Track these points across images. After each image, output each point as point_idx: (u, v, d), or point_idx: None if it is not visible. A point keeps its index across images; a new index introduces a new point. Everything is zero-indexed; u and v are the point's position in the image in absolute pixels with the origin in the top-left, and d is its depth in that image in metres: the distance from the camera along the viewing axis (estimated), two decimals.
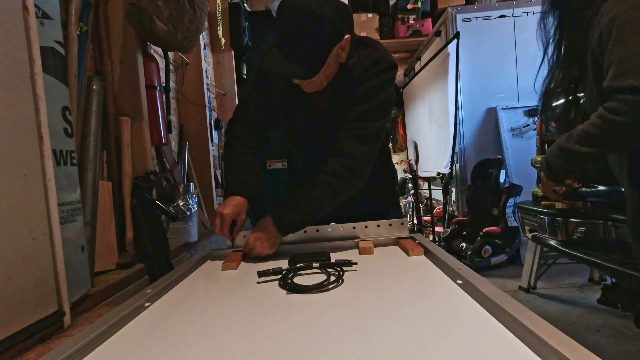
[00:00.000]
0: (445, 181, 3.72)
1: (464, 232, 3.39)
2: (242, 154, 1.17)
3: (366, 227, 1.11)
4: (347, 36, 1.00)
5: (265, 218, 1.04)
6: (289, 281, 0.78)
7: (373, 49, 1.09)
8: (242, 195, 1.11)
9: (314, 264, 0.85)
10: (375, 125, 1.06)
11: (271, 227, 1.02)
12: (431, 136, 4.29)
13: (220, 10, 3.28)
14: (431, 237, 3.88)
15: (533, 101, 3.50)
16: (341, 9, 0.98)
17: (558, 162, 1.06)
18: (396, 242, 1.06)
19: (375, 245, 1.04)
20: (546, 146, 2.27)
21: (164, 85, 2.14)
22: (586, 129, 0.95)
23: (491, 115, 3.63)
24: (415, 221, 4.31)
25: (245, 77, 3.74)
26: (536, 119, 3.06)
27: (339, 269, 0.82)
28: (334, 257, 0.93)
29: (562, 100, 1.20)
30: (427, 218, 4.28)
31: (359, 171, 1.05)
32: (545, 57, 1.15)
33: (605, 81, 0.90)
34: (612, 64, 0.87)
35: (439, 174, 3.77)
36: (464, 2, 4.97)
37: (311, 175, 1.07)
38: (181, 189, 1.94)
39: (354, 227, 1.12)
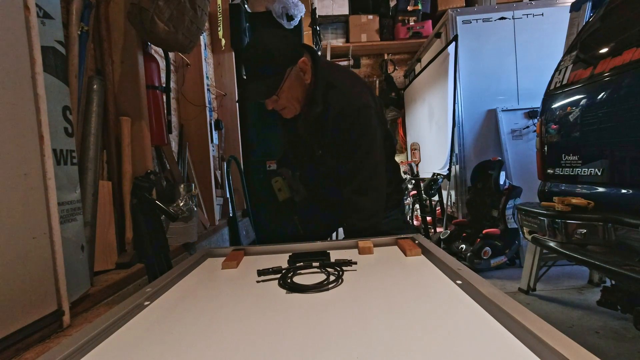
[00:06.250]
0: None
1: (464, 234, 3.39)
2: None
3: None
4: (302, 59, 1.15)
5: None
6: (289, 280, 0.78)
7: (339, 93, 1.18)
8: None
9: (314, 264, 0.85)
10: (371, 179, 1.19)
11: None
12: (431, 137, 4.29)
13: (221, 11, 3.28)
14: None
15: (533, 103, 3.51)
16: (288, 39, 1.16)
17: None
18: (395, 242, 1.06)
19: (375, 245, 1.04)
20: (546, 148, 2.26)
21: (164, 85, 2.14)
22: None
23: (491, 117, 3.64)
24: (415, 222, 4.31)
25: (245, 78, 3.74)
26: (536, 120, 3.06)
27: (338, 269, 0.82)
28: (334, 256, 0.93)
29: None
30: (428, 219, 4.27)
31: (375, 210, 1.20)
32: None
33: None
34: None
35: (434, 174, 3.77)
36: (464, 4, 4.98)
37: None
38: (181, 189, 1.94)
39: None
